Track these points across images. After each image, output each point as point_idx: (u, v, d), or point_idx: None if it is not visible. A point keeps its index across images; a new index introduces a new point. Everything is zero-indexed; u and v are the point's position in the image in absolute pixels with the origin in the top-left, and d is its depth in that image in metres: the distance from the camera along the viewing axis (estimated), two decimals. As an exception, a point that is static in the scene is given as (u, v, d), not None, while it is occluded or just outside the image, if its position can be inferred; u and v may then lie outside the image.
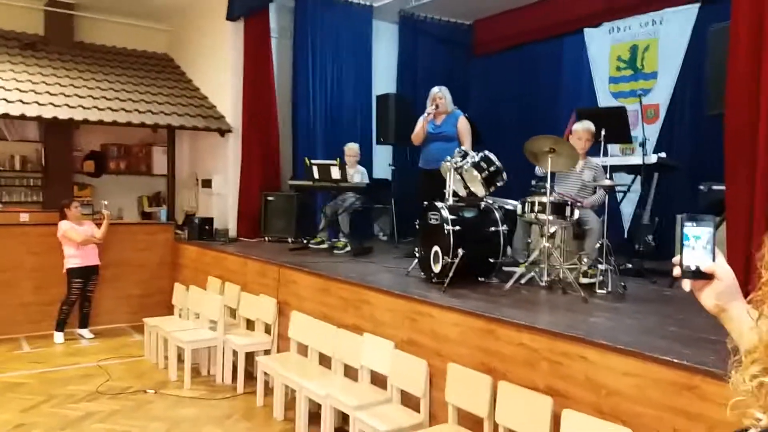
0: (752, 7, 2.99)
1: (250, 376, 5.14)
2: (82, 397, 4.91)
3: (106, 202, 6.91)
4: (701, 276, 1.14)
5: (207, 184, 8.05)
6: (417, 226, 4.75)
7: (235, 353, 5.22)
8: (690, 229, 1.14)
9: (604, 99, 7.18)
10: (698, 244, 1.14)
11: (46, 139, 8.03)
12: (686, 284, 1.16)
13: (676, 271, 1.16)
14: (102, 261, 6.80)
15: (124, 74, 8.22)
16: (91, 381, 5.29)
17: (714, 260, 1.14)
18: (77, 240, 6.38)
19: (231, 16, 7.63)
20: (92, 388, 5.10)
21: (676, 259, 1.15)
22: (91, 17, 8.64)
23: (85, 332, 6.68)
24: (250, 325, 5.57)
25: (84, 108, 7.15)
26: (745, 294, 1.13)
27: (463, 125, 5.69)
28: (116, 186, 8.56)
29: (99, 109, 7.23)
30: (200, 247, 7.00)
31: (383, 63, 8.62)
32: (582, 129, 4.80)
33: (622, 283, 4.17)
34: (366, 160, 7.59)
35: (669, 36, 6.63)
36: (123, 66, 8.45)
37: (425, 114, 5.73)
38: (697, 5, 6.34)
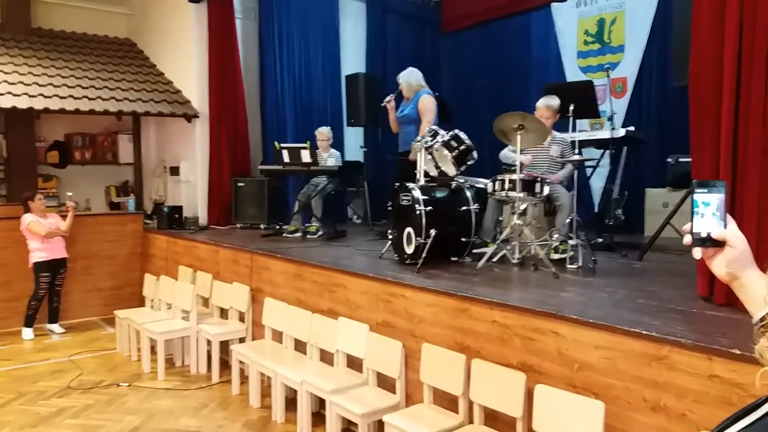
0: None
1: (225, 365, 5.09)
2: (53, 393, 4.82)
3: (70, 194, 6.75)
4: (712, 243, 1.09)
5: (175, 171, 7.90)
6: (389, 208, 4.71)
7: (209, 342, 5.16)
8: (700, 196, 1.10)
9: (573, 74, 7.19)
10: (708, 211, 1.09)
11: (7, 129, 7.78)
12: (696, 252, 1.11)
13: (687, 239, 1.11)
14: (70, 254, 6.66)
15: (86, 60, 8.00)
16: (62, 376, 5.19)
17: (725, 227, 1.09)
18: (41, 233, 6.23)
19: (193, -2, 7.45)
20: (64, 384, 5.01)
21: (686, 227, 1.10)
22: (49, 2, 8.36)
23: (55, 327, 6.55)
24: (223, 313, 5.51)
25: (44, 96, 6.94)
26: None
27: (424, 104, 5.65)
28: (82, 176, 8.36)
29: (60, 98, 7.02)
30: (170, 236, 6.88)
31: (351, 42, 8.52)
32: (542, 106, 4.81)
33: (593, 258, 4.19)
34: (337, 143, 7.52)
35: (635, 8, 6.65)
36: (84, 52, 8.21)
37: (384, 102, 5.87)
38: (663, -23, 6.35)
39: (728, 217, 1.10)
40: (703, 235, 1.09)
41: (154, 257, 7.20)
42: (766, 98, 2.80)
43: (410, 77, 5.74)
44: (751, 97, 2.85)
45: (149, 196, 8.39)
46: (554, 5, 7.40)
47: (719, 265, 1.11)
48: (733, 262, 1.09)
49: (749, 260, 1.09)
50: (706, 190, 1.10)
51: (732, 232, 1.09)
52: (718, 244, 1.09)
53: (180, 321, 5.45)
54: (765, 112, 2.81)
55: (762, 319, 0.98)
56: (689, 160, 3.79)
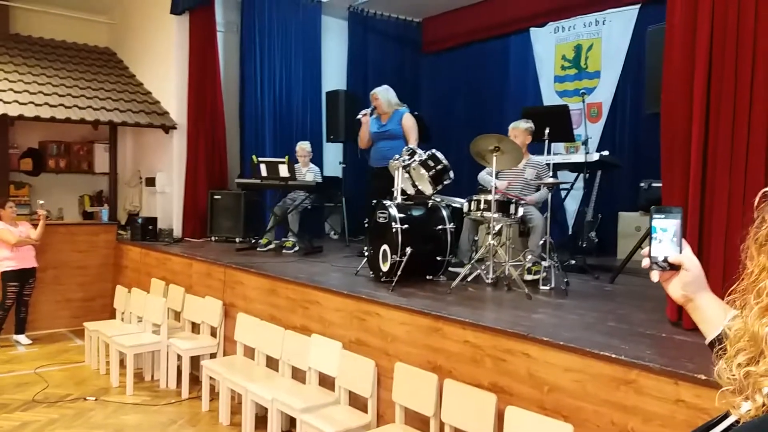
0: (684, 9, 3.07)
1: (195, 381, 5.02)
2: (17, 407, 4.71)
3: (42, 202, 6.65)
4: (669, 267, 1.15)
5: (151, 182, 7.82)
6: (366, 225, 4.72)
7: (179, 357, 5.09)
8: (658, 222, 1.16)
9: (550, 98, 7.30)
10: (665, 236, 1.15)
11: (-20, 136, 7.64)
12: (654, 275, 1.17)
13: (645, 263, 1.17)
14: (40, 263, 6.54)
15: (64, 68, 7.91)
16: (27, 389, 5.07)
17: (681, 252, 1.15)
18: (11, 241, 6.11)
19: (176, 10, 7.42)
20: (28, 397, 4.89)
21: (645, 251, 1.17)
22: (28, 8, 8.27)
23: (21, 338, 6.40)
24: (195, 328, 5.45)
25: (20, 103, 6.84)
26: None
27: (408, 122, 5.73)
28: (56, 185, 8.22)
29: (36, 105, 6.93)
30: (143, 248, 6.80)
31: (333, 59, 8.57)
32: (510, 128, 4.90)
33: (566, 280, 4.24)
34: (316, 158, 7.52)
35: (611, 36, 6.79)
36: (62, 60, 8.12)
37: (360, 115, 5.82)
38: (638, 6, 6.51)
39: (684, 242, 1.16)
40: (661, 259, 1.16)
41: (127, 269, 7.10)
42: (734, 127, 2.89)
43: (388, 94, 5.79)
44: (720, 126, 2.93)
45: (124, 206, 8.29)
46: (533, 30, 7.53)
47: (675, 288, 1.17)
48: (688, 285, 1.15)
49: (703, 283, 1.17)
50: (663, 216, 1.16)
51: (687, 257, 1.16)
52: (675, 268, 1.16)
53: (150, 335, 5.37)
54: (733, 141, 2.89)
55: (720, 342, 1.02)
56: (661, 185, 3.87)
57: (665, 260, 1.15)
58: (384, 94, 5.78)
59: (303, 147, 6.88)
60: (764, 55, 2.81)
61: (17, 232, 6.23)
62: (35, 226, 6.45)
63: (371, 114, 5.86)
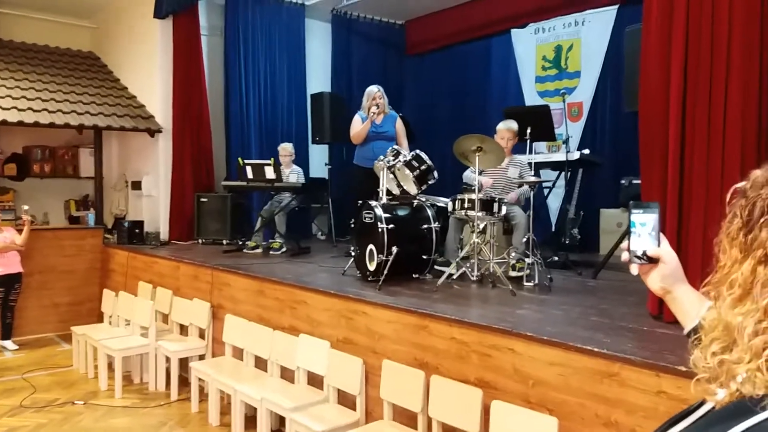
0: (660, 10, 3.15)
1: (184, 382, 5.03)
2: (4, 413, 4.68)
3: (26, 207, 6.61)
4: (648, 260, 1.19)
5: (137, 186, 7.81)
6: (352, 225, 4.77)
7: (168, 359, 5.10)
8: (637, 216, 1.19)
9: (531, 98, 7.38)
10: (644, 231, 1.18)
11: (-38, 141, 7.59)
12: (634, 269, 1.20)
13: (625, 256, 1.20)
14: (27, 268, 6.51)
15: (47, 73, 7.87)
16: (14, 395, 5.05)
17: (659, 245, 1.19)
18: (-5, 247, 6.09)
19: (159, 14, 7.41)
20: (16, 403, 4.87)
21: (624, 245, 1.20)
22: (10, 13, 8.22)
23: (8, 344, 6.36)
24: (183, 330, 5.46)
25: (3, 109, 6.79)
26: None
27: (401, 126, 5.83)
28: (41, 190, 8.17)
29: (19, 110, 6.89)
30: (130, 251, 6.78)
31: (317, 62, 8.60)
32: (504, 128, 4.97)
33: (549, 276, 4.32)
34: (302, 160, 7.55)
35: (590, 36, 6.89)
36: (45, 64, 8.08)
37: (371, 113, 5.70)
38: (616, 7, 6.62)
39: (662, 236, 1.20)
40: (639, 252, 1.19)
41: (114, 272, 7.08)
42: (710, 124, 2.97)
43: (385, 94, 5.84)
44: (696, 123, 3.01)
45: (110, 210, 8.26)
46: (514, 31, 7.61)
47: (654, 281, 1.21)
48: (666, 277, 1.19)
49: (681, 276, 1.20)
50: (641, 211, 1.20)
51: (666, 250, 1.19)
52: (653, 261, 1.19)
53: (138, 338, 5.38)
54: (709, 137, 2.97)
55: (695, 332, 1.07)
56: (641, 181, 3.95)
57: (644, 254, 1.18)
58: (384, 94, 5.82)
59: (285, 148, 6.89)
60: (738, 54, 2.89)
61: (1, 238, 6.20)
62: (20, 231, 6.42)
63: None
